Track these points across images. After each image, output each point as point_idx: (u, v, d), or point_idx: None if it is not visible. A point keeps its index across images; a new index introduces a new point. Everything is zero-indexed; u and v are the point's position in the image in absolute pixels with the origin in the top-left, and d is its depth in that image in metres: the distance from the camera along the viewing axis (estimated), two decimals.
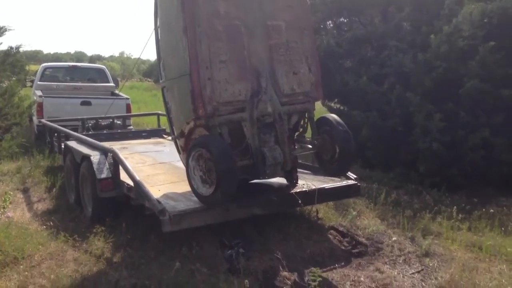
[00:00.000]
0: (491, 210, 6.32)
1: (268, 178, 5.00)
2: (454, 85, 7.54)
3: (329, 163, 5.15)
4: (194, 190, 4.73)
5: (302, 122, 5.26)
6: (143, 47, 10.55)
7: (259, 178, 5.00)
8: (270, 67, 4.94)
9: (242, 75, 4.79)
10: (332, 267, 4.73)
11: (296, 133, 5.28)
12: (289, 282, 4.32)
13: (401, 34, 9.04)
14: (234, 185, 4.46)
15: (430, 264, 4.81)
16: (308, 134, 5.32)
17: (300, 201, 5.10)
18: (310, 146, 5.26)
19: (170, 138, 7.50)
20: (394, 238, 5.34)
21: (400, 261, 4.90)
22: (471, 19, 7.51)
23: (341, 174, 5.43)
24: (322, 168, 5.43)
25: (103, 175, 5.47)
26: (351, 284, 4.36)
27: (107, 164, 5.57)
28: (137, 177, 4.93)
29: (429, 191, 7.32)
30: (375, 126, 8.38)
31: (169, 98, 5.36)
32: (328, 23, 11.26)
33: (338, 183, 5.56)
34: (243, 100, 4.79)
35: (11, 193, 5.32)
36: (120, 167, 5.37)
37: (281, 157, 4.88)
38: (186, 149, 5.04)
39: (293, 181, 5.27)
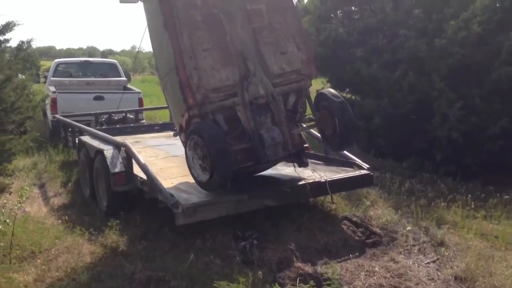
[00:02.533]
0: (506, 196, 6.24)
1: (270, 159, 4.99)
2: (471, 71, 7.44)
3: (332, 138, 5.14)
4: (195, 179, 4.81)
5: (300, 102, 5.26)
6: (140, 40, 10.45)
7: (262, 162, 4.99)
8: (256, 50, 5.02)
9: (227, 60, 4.88)
10: (346, 257, 4.71)
11: (297, 114, 5.27)
12: (303, 273, 4.32)
13: (412, 21, 8.92)
14: (229, 166, 4.53)
15: (446, 254, 4.77)
16: (309, 113, 5.34)
17: (312, 192, 5.11)
18: (304, 125, 5.29)
19: None
20: (408, 228, 5.30)
21: (415, 251, 4.87)
22: (484, 3, 7.40)
23: (346, 146, 5.39)
24: (327, 145, 5.48)
25: (117, 169, 5.52)
26: (365, 274, 4.34)
27: (120, 158, 5.61)
28: (150, 171, 4.96)
29: (443, 179, 7.25)
30: (386, 114, 8.31)
31: (166, 96, 5.49)
32: (338, 12, 11.14)
33: (351, 173, 5.54)
34: (232, 85, 4.87)
35: (28, 188, 5.38)
36: (133, 161, 5.41)
37: (280, 137, 4.92)
38: None
39: (303, 164, 5.26)
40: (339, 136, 5.03)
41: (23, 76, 5.27)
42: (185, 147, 4.94)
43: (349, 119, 5.00)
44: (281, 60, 5.08)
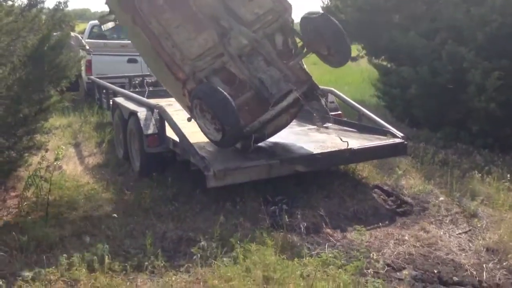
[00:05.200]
0: None
1: (277, 97, 5.00)
2: (510, 40, 7.13)
3: (330, 55, 5.17)
4: (213, 141, 4.91)
5: (290, 39, 5.28)
6: None
7: (271, 103, 4.99)
8: (225, 7, 5.10)
9: (200, 27, 5.01)
10: (376, 225, 4.70)
11: (291, 50, 5.28)
12: (332, 239, 4.34)
13: None
14: (233, 114, 4.59)
15: (478, 225, 4.70)
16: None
17: (344, 159, 5.08)
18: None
19: None
20: (441, 198, 5.23)
21: (447, 221, 4.81)
22: None
23: (345, 58, 5.33)
24: (330, 64, 5.42)
25: (150, 131, 5.58)
26: (395, 243, 4.32)
27: (153, 120, 5.67)
28: (183, 133, 5.01)
29: (480, 151, 7.06)
30: (424, 83, 8.06)
31: (167, 88, 5.76)
32: None
33: (384, 141, 5.47)
34: (214, 47, 5.00)
35: (63, 147, 5.53)
36: (166, 124, 5.46)
37: (278, 74, 5.03)
38: None
39: (316, 98, 5.23)
40: (333, 50, 5.07)
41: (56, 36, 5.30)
42: (194, 118, 4.96)
43: (334, 28, 5.05)
44: (252, 6, 5.14)
